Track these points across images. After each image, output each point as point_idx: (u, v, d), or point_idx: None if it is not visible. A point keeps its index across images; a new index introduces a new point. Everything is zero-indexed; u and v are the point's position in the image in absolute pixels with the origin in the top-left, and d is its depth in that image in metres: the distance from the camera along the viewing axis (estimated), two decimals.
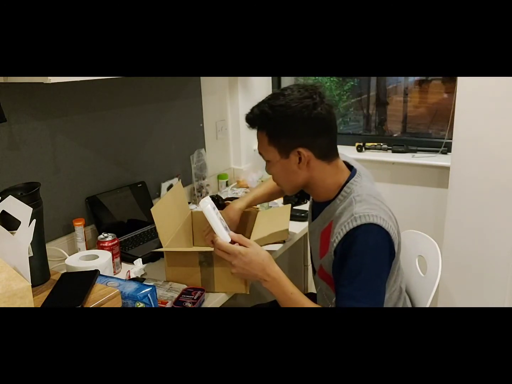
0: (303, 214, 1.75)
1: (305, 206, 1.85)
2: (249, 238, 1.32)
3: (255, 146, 2.57)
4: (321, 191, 1.16)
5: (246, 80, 2.22)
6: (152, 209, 1.23)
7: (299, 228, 1.68)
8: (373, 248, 1.04)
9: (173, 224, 1.39)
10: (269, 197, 1.54)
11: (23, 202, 0.91)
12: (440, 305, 1.92)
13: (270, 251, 1.48)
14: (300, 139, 1.09)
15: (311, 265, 1.31)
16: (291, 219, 1.60)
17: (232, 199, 1.79)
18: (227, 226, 1.18)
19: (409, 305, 1.27)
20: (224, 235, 1.14)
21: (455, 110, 1.75)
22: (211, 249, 1.25)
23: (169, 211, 1.38)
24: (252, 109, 1.16)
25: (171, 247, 1.29)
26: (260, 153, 1.18)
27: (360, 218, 1.03)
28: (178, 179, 1.91)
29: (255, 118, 1.15)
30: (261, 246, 1.33)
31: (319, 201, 1.19)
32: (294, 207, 1.80)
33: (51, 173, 1.46)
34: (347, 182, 1.13)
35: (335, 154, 1.15)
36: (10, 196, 0.93)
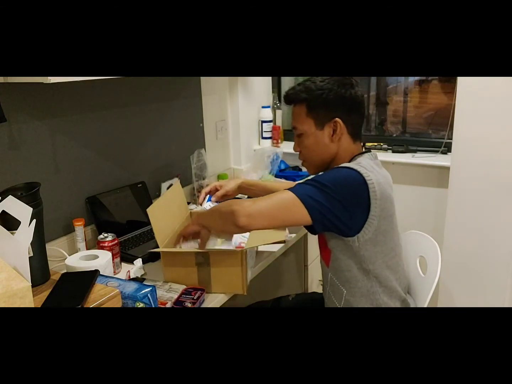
0: None
1: None
2: (247, 238, 1.33)
3: (255, 146, 2.58)
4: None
5: (246, 80, 2.22)
6: (148, 210, 1.23)
7: (299, 228, 1.68)
8: (341, 176, 1.12)
9: (171, 224, 1.39)
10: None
11: (23, 202, 0.91)
12: (440, 305, 1.92)
13: (269, 252, 1.49)
14: (337, 112, 1.20)
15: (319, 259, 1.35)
16: None
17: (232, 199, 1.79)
18: None
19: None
20: None
21: (455, 110, 1.75)
22: (208, 249, 1.25)
23: (166, 211, 1.37)
24: (294, 87, 1.26)
25: (168, 248, 1.29)
26: (294, 127, 1.27)
27: (343, 165, 1.16)
28: (178, 179, 1.90)
29: (295, 94, 1.24)
30: (259, 245, 1.37)
31: None
32: None
33: (51, 173, 1.46)
34: (358, 155, 1.23)
35: (360, 137, 1.26)
36: (10, 196, 0.93)
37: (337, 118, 1.19)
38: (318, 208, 1.08)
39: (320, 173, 1.19)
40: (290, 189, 1.11)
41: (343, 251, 1.17)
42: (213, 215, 1.21)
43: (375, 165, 1.20)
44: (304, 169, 2.28)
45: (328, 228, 1.13)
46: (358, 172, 1.10)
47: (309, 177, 1.20)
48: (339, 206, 1.09)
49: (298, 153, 1.30)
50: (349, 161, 1.22)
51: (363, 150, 1.27)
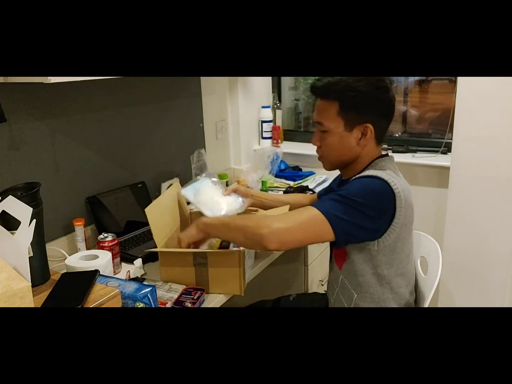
0: None
1: None
2: None
3: (255, 146, 2.58)
4: (356, 169, 1.21)
5: (246, 80, 2.22)
6: (146, 209, 1.23)
7: None
8: (368, 188, 1.09)
9: (169, 224, 1.39)
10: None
11: (23, 202, 0.91)
12: (440, 305, 1.92)
13: (269, 252, 1.49)
14: (369, 116, 1.16)
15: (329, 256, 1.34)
16: None
17: None
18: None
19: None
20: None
21: (455, 110, 1.75)
22: (206, 250, 1.25)
23: (165, 211, 1.37)
24: (321, 79, 1.20)
25: (167, 248, 1.29)
26: (319, 123, 1.20)
27: (368, 173, 1.12)
28: (178, 180, 1.90)
29: (327, 88, 1.17)
30: None
31: (346, 178, 1.24)
32: None
33: (51, 173, 1.46)
34: (377, 158, 1.20)
35: (383, 140, 1.23)
36: (10, 196, 0.93)
37: (368, 124, 1.15)
38: (343, 226, 1.07)
39: (346, 186, 1.13)
40: (317, 206, 1.09)
41: (360, 255, 1.16)
42: (235, 231, 1.14)
43: (395, 169, 1.19)
44: (305, 169, 2.29)
45: (350, 241, 1.14)
46: (385, 181, 1.09)
47: (331, 187, 1.21)
48: (364, 219, 1.07)
49: (316, 147, 1.26)
50: (369, 164, 1.19)
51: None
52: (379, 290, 1.18)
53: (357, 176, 1.15)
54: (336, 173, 1.34)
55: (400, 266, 1.18)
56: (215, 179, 1.46)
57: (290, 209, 1.53)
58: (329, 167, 1.27)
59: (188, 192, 1.43)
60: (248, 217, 1.13)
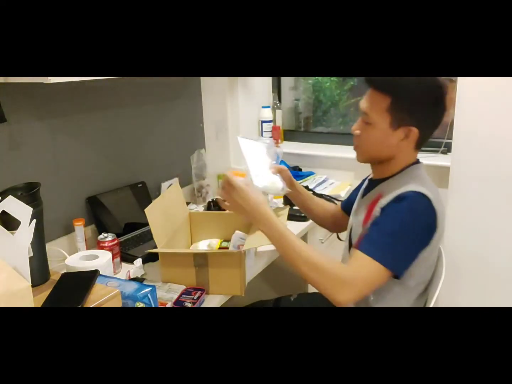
0: (303, 214, 1.75)
1: None
2: (247, 238, 1.32)
3: None
4: (388, 169, 1.18)
5: (246, 80, 2.21)
6: (146, 210, 1.23)
7: (299, 228, 1.68)
8: (414, 212, 1.07)
9: (170, 224, 1.39)
10: (311, 207, 1.51)
11: (23, 202, 0.91)
12: (440, 305, 1.92)
13: (269, 252, 1.49)
14: (417, 121, 1.11)
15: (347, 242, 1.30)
16: (291, 219, 1.60)
17: None
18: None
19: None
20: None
21: (455, 110, 1.75)
22: (206, 251, 1.25)
23: (165, 211, 1.37)
24: None
25: (167, 248, 1.29)
26: (365, 113, 1.14)
27: (411, 188, 1.09)
28: (178, 180, 1.90)
29: (383, 79, 1.11)
30: (258, 246, 1.31)
31: (377, 178, 1.22)
32: (294, 207, 1.80)
33: (51, 173, 1.46)
34: (412, 164, 1.17)
35: (422, 146, 1.20)
36: (10, 196, 0.93)
37: (414, 128, 1.11)
38: (403, 264, 1.07)
39: (393, 214, 1.08)
40: (374, 255, 1.03)
41: None
42: (297, 259, 1.05)
43: (427, 177, 1.17)
44: (305, 169, 2.29)
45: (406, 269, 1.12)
46: (428, 199, 1.07)
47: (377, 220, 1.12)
48: (418, 246, 1.08)
49: (353, 136, 1.21)
50: (403, 169, 1.16)
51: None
52: (398, 295, 1.16)
53: (401, 193, 1.10)
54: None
55: (423, 275, 1.17)
56: (268, 150, 1.41)
57: (312, 212, 1.50)
58: (361, 159, 1.22)
59: (245, 142, 1.38)
60: (320, 263, 1.04)
